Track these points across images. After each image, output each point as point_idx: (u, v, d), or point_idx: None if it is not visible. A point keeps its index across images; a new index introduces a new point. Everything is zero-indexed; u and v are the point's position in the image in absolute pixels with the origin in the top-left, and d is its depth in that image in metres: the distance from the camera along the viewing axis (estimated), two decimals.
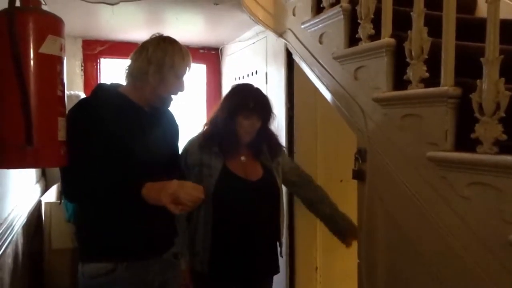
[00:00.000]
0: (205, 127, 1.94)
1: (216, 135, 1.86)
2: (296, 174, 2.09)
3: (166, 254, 1.61)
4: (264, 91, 2.91)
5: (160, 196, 1.36)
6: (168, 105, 1.61)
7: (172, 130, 1.72)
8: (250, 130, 1.83)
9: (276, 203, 1.89)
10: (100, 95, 1.54)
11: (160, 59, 1.49)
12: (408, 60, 1.40)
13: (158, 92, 1.53)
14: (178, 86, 1.56)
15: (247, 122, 1.81)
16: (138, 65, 1.51)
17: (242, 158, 1.88)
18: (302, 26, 2.13)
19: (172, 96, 1.58)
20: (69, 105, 1.40)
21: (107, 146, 1.43)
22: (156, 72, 1.50)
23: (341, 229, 2.03)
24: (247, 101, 1.82)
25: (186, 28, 3.37)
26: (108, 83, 1.63)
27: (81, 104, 1.53)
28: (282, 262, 2.29)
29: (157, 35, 1.57)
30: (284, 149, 2.11)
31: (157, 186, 1.39)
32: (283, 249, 2.01)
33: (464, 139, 1.18)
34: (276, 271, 1.99)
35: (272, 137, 1.98)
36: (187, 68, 1.57)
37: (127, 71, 1.56)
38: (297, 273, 2.70)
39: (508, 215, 1.04)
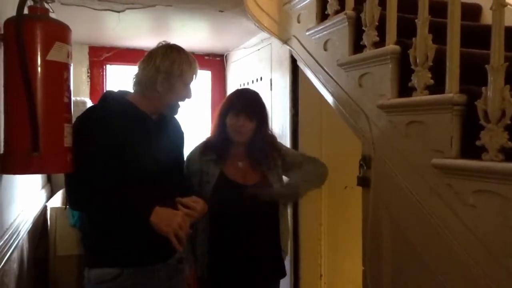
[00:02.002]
0: (208, 136, 1.96)
1: (215, 143, 1.88)
2: (296, 161, 2.00)
3: (171, 259, 1.61)
4: (268, 98, 2.96)
5: (166, 231, 1.41)
6: (176, 112, 1.63)
7: (178, 138, 1.74)
8: (241, 130, 1.82)
9: (273, 207, 1.88)
10: (109, 103, 1.56)
11: (168, 68, 1.51)
12: (413, 67, 1.40)
13: (167, 100, 1.56)
14: (185, 94, 1.59)
15: (234, 120, 1.82)
16: (146, 74, 1.53)
17: (240, 163, 1.88)
18: (307, 33, 2.14)
19: (180, 103, 1.60)
20: (75, 111, 1.41)
21: (114, 155, 1.45)
22: (165, 80, 1.51)
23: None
24: (234, 100, 1.88)
25: (191, 35, 3.39)
26: (116, 90, 1.64)
27: (89, 111, 1.54)
28: (287, 269, 2.27)
29: (163, 43, 1.59)
30: (282, 146, 2.04)
31: (166, 217, 1.42)
32: (284, 255, 1.96)
33: (470, 147, 1.18)
34: (280, 275, 1.97)
35: (268, 142, 1.93)
36: (194, 76, 1.59)
37: (134, 80, 1.57)
38: (302, 280, 2.69)
39: None
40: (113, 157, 1.44)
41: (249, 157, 1.88)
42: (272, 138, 1.98)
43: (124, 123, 1.50)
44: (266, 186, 1.87)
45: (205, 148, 1.89)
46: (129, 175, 1.46)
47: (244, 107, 1.84)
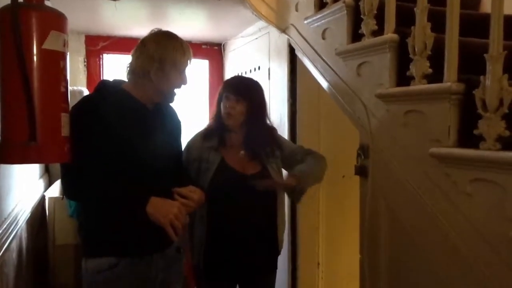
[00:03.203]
0: (207, 124, 1.97)
1: (215, 130, 1.89)
2: (296, 156, 2.00)
3: (169, 249, 1.62)
4: (266, 87, 2.94)
5: (162, 221, 1.43)
6: (172, 100, 1.62)
7: (175, 128, 1.74)
8: (229, 112, 1.84)
9: (271, 198, 1.89)
10: (104, 92, 1.55)
11: (161, 55, 1.50)
12: (411, 56, 1.39)
13: (161, 89, 1.54)
14: (180, 81, 1.58)
15: (225, 103, 1.86)
16: (140, 62, 1.52)
17: (242, 152, 1.89)
18: (305, 22, 2.12)
19: (176, 90, 1.59)
20: (72, 100, 1.41)
21: (110, 145, 1.44)
22: (159, 69, 1.50)
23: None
24: (226, 84, 1.95)
25: (189, 24, 3.36)
26: (111, 79, 1.63)
27: (84, 101, 1.53)
28: (284, 257, 2.28)
29: (155, 30, 1.58)
30: (281, 139, 2.05)
31: (162, 207, 1.44)
32: (281, 245, 1.96)
33: (467, 136, 1.18)
34: (275, 268, 1.97)
35: (266, 132, 1.94)
36: (189, 62, 1.58)
37: (128, 69, 1.56)
38: (299, 268, 2.71)
39: (510, 212, 1.04)
40: (109, 147, 1.44)
41: (247, 146, 1.89)
42: (271, 129, 1.99)
43: (119, 113, 1.49)
44: (267, 177, 1.87)
45: (205, 135, 1.91)
46: (125, 165, 1.46)
47: (231, 88, 1.88)
